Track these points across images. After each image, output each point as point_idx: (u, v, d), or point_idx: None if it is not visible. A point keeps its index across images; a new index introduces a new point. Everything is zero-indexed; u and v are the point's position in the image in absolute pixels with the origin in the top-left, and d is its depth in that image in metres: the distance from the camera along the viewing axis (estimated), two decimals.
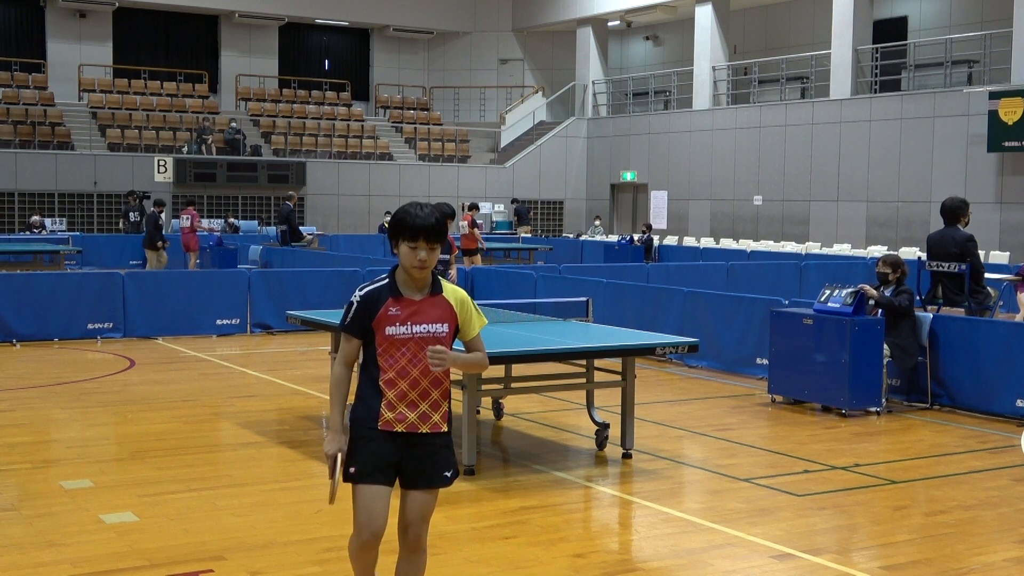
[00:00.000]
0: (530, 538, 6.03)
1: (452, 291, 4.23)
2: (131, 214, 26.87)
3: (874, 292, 9.77)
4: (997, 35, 25.28)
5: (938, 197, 16.43)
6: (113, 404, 9.82)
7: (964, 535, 6.25)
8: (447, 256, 12.41)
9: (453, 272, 12.58)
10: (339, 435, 4.14)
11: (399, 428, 4.11)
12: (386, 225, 29.47)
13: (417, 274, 4.11)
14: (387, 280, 4.17)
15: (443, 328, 4.15)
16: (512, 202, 32.48)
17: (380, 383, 4.11)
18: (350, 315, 4.16)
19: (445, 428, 4.20)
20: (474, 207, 22.02)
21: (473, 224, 21.21)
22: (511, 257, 24.83)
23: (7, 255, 20.23)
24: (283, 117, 34.76)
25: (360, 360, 4.25)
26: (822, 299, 9.81)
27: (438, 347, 4.06)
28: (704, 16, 31.08)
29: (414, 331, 4.11)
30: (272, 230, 27.42)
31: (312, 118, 35.05)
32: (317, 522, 6.25)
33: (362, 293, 4.16)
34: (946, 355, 9.88)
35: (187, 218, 22.52)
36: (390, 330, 4.09)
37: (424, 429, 4.14)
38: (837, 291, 9.77)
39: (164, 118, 32.63)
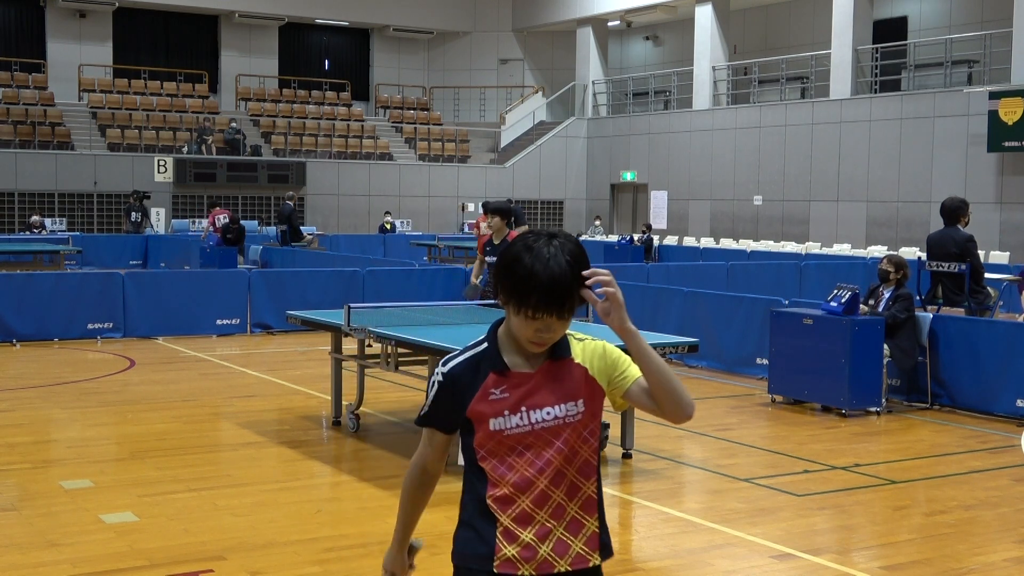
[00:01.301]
0: None
1: (582, 348, 2.77)
2: (133, 214, 26.98)
3: (866, 309, 9.78)
4: (997, 35, 25.27)
5: (938, 197, 16.41)
6: (113, 404, 9.82)
7: (964, 535, 6.25)
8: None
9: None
10: (399, 553, 2.93)
11: (525, 571, 2.68)
12: (387, 226, 29.47)
13: (534, 349, 2.71)
14: (486, 346, 2.75)
15: (576, 409, 2.71)
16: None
17: (489, 503, 2.70)
18: (430, 401, 2.78)
19: (597, 560, 2.75)
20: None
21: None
22: None
23: (7, 255, 20.21)
24: (283, 117, 34.74)
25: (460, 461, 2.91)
26: (830, 299, 9.80)
27: (604, 275, 2.64)
28: (704, 16, 31.07)
29: (533, 421, 2.69)
30: (272, 230, 27.42)
31: (312, 118, 35.04)
32: (317, 522, 6.25)
33: (447, 368, 2.75)
34: (946, 355, 9.88)
35: (224, 218, 22.79)
36: (496, 423, 2.69)
37: (563, 567, 2.70)
38: (844, 291, 9.76)
39: (164, 118, 32.61)
